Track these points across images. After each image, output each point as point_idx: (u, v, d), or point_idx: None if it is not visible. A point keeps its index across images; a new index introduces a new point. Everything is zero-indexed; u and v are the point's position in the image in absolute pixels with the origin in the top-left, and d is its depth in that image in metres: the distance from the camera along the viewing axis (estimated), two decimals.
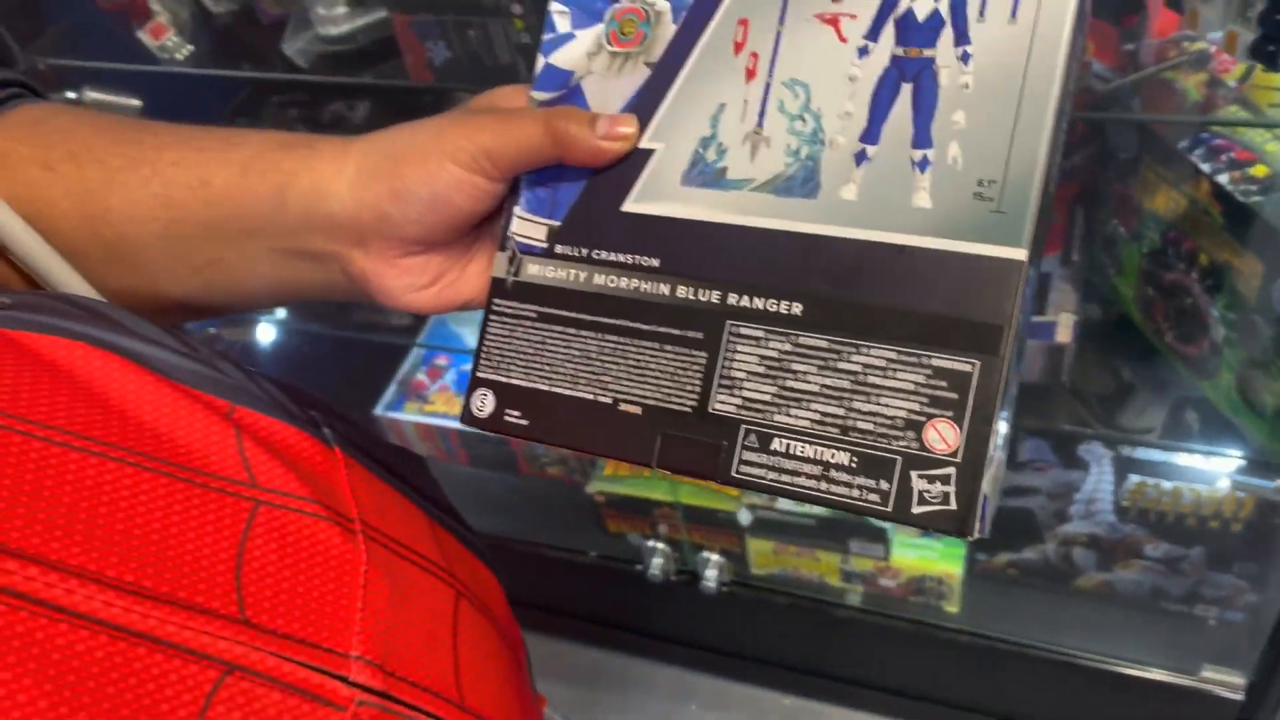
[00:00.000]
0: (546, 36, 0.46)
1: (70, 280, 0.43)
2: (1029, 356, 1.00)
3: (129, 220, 0.44)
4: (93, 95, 1.12)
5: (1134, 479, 1.08)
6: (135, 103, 1.14)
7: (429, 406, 1.52)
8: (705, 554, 1.35)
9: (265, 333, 1.52)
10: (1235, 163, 0.87)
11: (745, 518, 1.29)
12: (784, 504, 1.27)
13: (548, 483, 1.51)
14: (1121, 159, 0.99)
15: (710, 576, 1.34)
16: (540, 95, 0.46)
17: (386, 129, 0.44)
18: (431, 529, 0.40)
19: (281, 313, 1.40)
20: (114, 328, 0.35)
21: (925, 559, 1.27)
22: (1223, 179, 0.86)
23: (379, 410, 1.54)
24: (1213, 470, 1.03)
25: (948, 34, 0.40)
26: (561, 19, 0.46)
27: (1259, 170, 0.86)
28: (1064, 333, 0.98)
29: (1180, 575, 1.14)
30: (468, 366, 1.56)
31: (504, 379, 0.44)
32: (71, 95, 1.10)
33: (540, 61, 0.46)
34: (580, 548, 1.45)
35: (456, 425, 1.49)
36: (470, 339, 1.47)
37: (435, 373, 1.57)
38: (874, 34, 0.41)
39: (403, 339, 1.51)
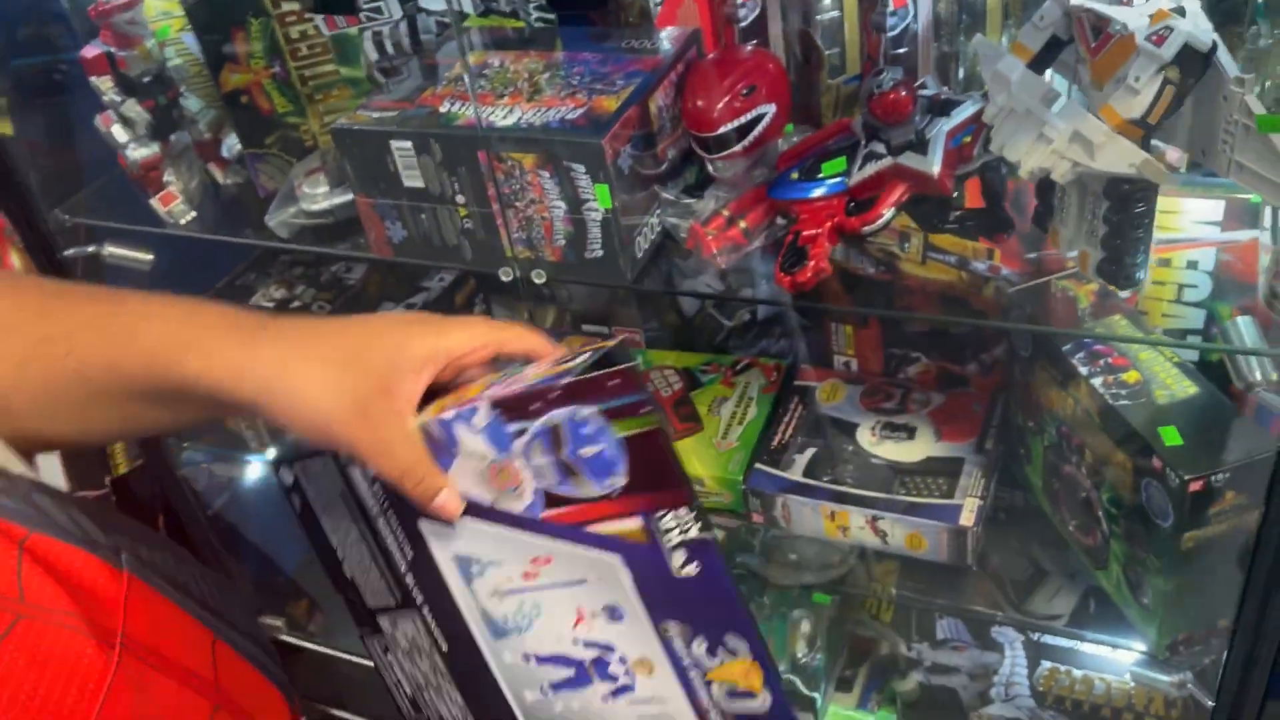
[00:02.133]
0: (470, 416, 0.57)
1: None
2: (937, 538, 1.05)
3: (49, 388, 0.52)
4: (111, 250, 1.26)
5: (1046, 665, 1.10)
6: (148, 257, 1.28)
7: None
8: None
9: (259, 471, 1.61)
10: (1110, 368, 0.94)
11: None
12: None
13: None
14: (1023, 357, 1.06)
15: None
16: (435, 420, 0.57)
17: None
18: (214, 647, 0.47)
19: (274, 451, 1.49)
20: None
21: None
22: (1096, 382, 0.93)
23: None
24: (1118, 661, 1.05)
25: None
26: (480, 418, 0.56)
27: (1131, 376, 0.93)
28: (968, 516, 1.03)
29: None
30: None
31: None
32: (91, 249, 1.24)
33: (456, 425, 0.57)
34: None
35: None
36: None
37: None
38: None
39: None
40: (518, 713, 0.66)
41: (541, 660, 0.63)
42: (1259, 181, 0.70)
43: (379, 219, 1.01)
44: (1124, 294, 0.85)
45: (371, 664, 0.72)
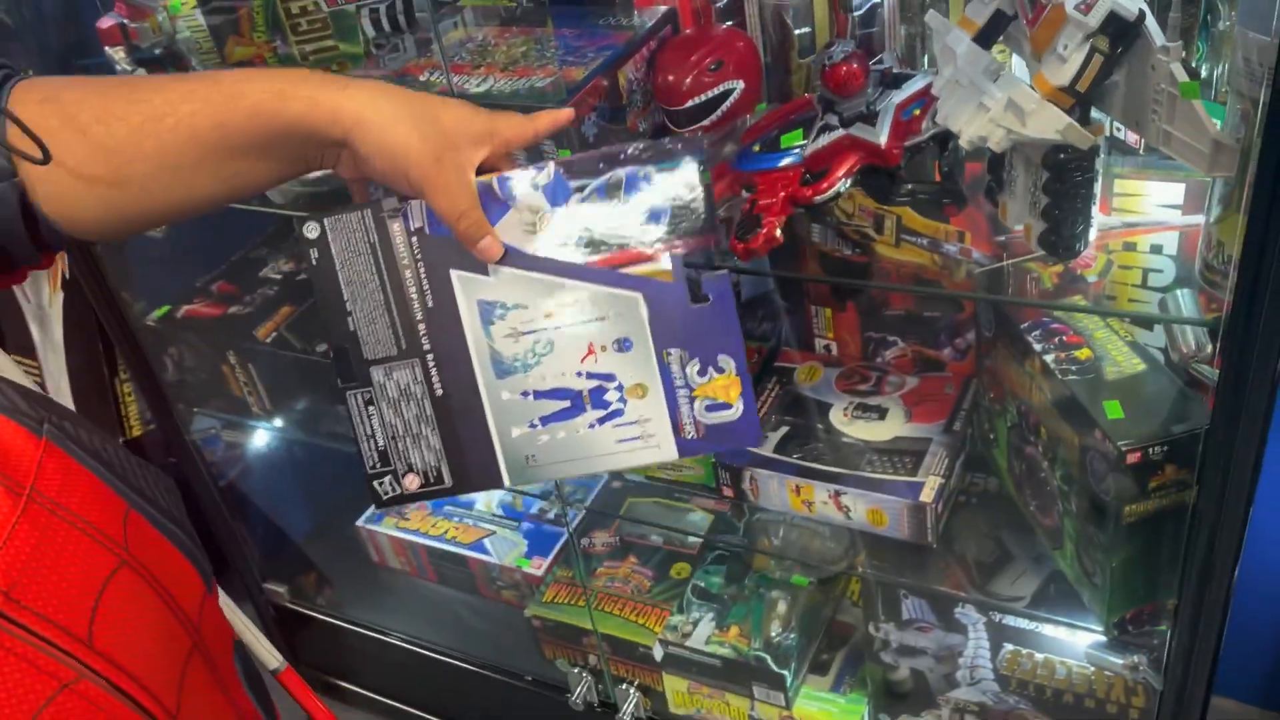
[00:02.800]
0: (535, 174, 0.69)
1: None
2: (898, 514, 1.06)
3: (161, 160, 0.61)
4: None
5: (1008, 647, 1.10)
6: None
7: (404, 523, 1.64)
8: (625, 687, 1.39)
9: (267, 439, 1.67)
10: (1064, 345, 0.95)
11: (658, 652, 1.34)
12: (691, 641, 1.32)
13: (502, 606, 1.59)
14: (986, 338, 1.06)
15: (627, 711, 1.38)
16: (497, 179, 0.69)
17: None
18: (125, 516, 0.51)
19: (279, 421, 1.55)
20: None
21: (826, 712, 1.29)
22: (1049, 358, 0.94)
23: (360, 521, 1.66)
24: (1076, 645, 1.05)
25: None
26: (545, 176, 0.68)
27: (1083, 353, 0.93)
28: (928, 493, 1.04)
29: None
30: None
31: None
32: None
33: (514, 182, 0.69)
34: (519, 671, 1.51)
35: (429, 542, 1.60)
36: None
37: None
38: None
39: None
40: (498, 449, 0.75)
41: (540, 395, 0.73)
42: (1186, 149, 0.71)
43: (364, 188, 1.05)
44: (1062, 263, 0.86)
45: (376, 635, 0.78)
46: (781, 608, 1.34)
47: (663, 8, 1.03)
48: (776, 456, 1.13)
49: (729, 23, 1.03)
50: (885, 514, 1.06)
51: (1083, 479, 0.91)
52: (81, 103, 0.60)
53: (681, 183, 0.67)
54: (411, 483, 0.78)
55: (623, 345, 0.71)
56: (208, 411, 1.55)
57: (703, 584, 1.40)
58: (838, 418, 1.16)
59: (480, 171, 0.68)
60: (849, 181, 0.90)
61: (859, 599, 1.37)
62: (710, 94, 0.96)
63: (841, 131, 0.88)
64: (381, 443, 0.77)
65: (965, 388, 1.15)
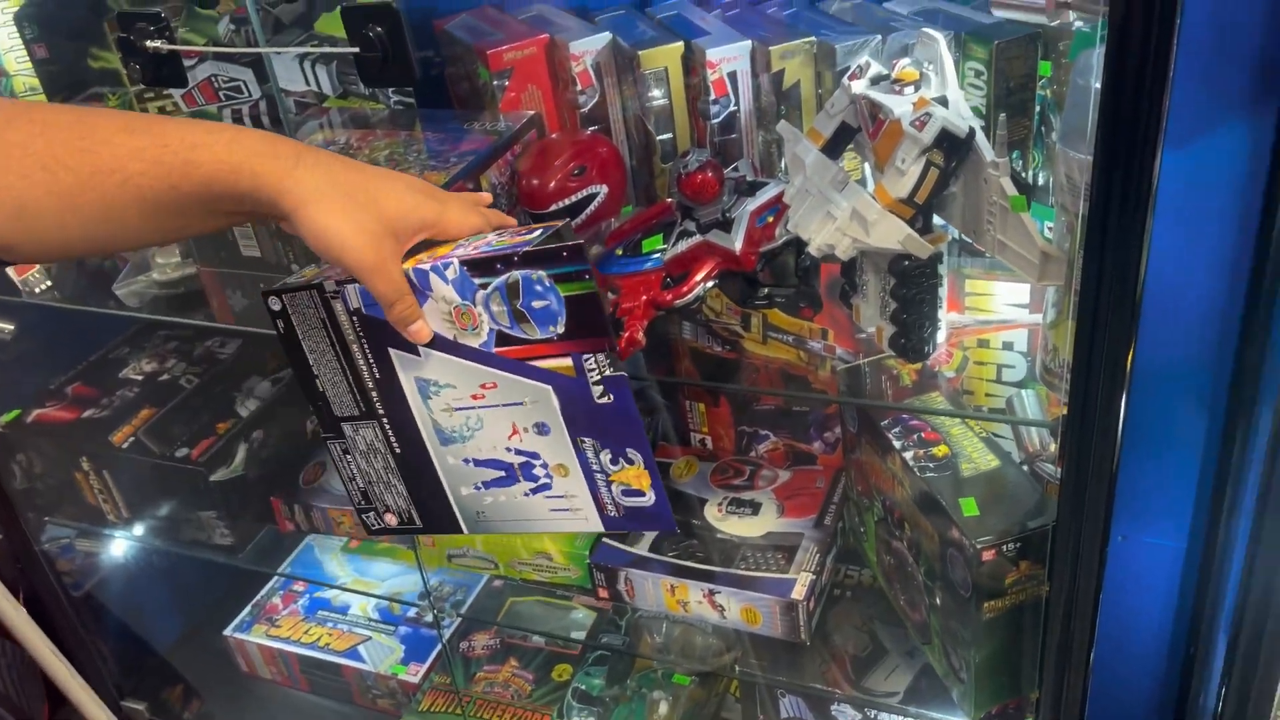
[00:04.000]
0: (444, 269, 0.72)
1: None
2: (771, 612, 1.05)
3: (106, 214, 0.63)
4: None
5: None
6: (8, 327, 1.28)
7: (275, 631, 1.56)
8: None
9: (125, 547, 1.58)
10: (923, 441, 0.97)
11: None
12: None
13: (377, 716, 1.52)
14: (851, 433, 1.08)
15: None
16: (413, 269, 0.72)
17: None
18: None
19: (139, 529, 1.47)
20: None
21: None
22: (908, 455, 0.95)
23: (228, 630, 1.58)
24: None
25: None
26: (452, 272, 0.72)
27: (940, 450, 0.96)
28: (800, 590, 1.04)
29: None
30: (322, 593, 1.61)
31: None
32: None
33: (431, 275, 0.72)
34: None
35: (301, 650, 1.53)
36: (334, 567, 1.54)
37: (290, 598, 1.62)
38: None
39: (265, 567, 1.56)
40: (453, 503, 0.84)
41: (479, 463, 0.81)
42: (1018, 259, 0.74)
43: (220, 289, 1.03)
44: (913, 365, 0.88)
45: None
46: (664, 708, 1.32)
47: (528, 113, 1.04)
48: (651, 556, 1.12)
49: (594, 128, 1.04)
50: (759, 612, 1.06)
51: (945, 575, 0.92)
52: (26, 146, 0.61)
53: (573, 287, 0.70)
54: (391, 520, 0.88)
55: (541, 429, 0.77)
56: (60, 520, 1.47)
57: (583, 687, 1.36)
58: (712, 514, 1.16)
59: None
60: (708, 285, 0.91)
61: (732, 690, 1.36)
62: (574, 198, 0.97)
63: (699, 237, 0.90)
64: (362, 485, 0.87)
65: (835, 481, 1.17)
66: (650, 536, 1.14)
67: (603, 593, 1.15)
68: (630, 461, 0.77)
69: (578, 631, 1.38)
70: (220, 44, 1.06)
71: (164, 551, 1.54)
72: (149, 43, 0.93)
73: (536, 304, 0.71)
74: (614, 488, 0.79)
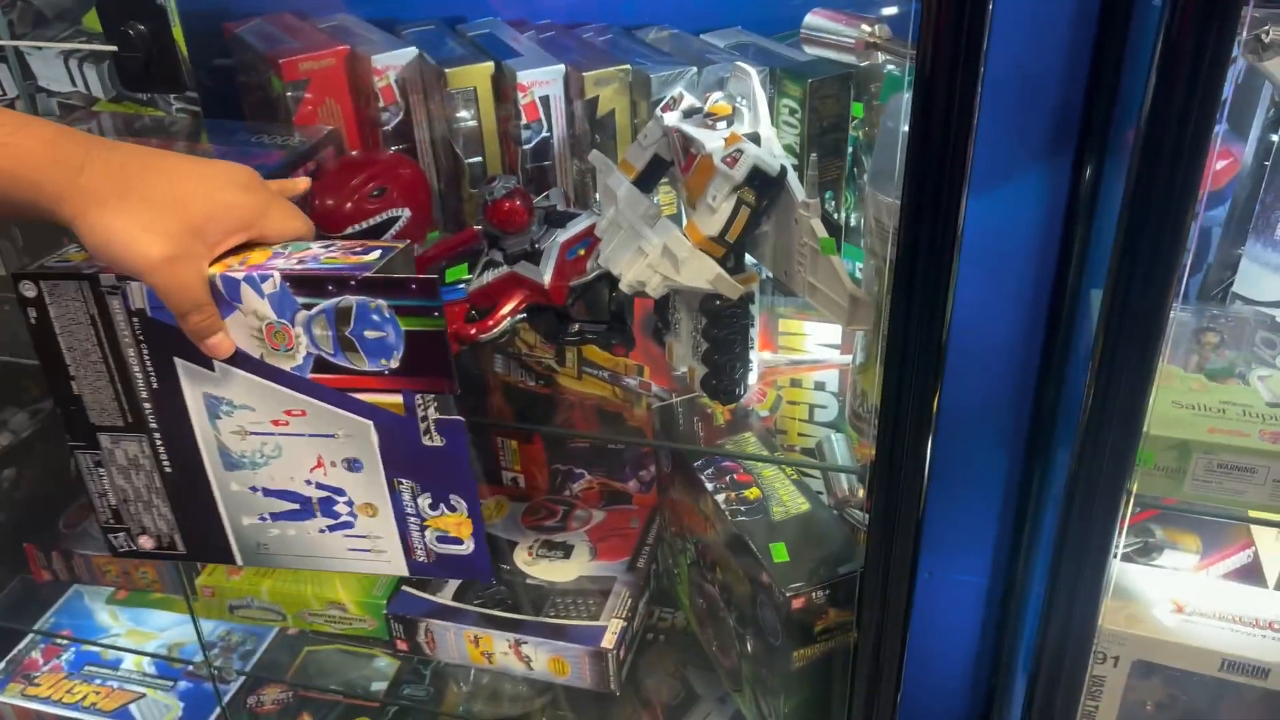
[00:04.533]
0: (260, 282, 0.64)
1: None
2: (579, 662, 1.01)
3: None
4: None
5: None
6: None
7: (33, 689, 1.40)
8: None
9: None
10: (735, 484, 0.95)
11: None
12: None
13: None
14: (666, 472, 1.05)
15: None
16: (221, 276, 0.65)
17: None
18: None
19: None
20: None
21: None
22: (720, 498, 0.93)
23: None
24: None
25: None
26: (270, 285, 0.64)
27: (752, 492, 0.93)
28: (610, 638, 0.99)
29: None
30: (90, 646, 1.44)
31: None
32: None
33: (244, 285, 0.65)
34: None
35: (59, 712, 1.37)
36: (105, 618, 1.39)
37: (52, 652, 1.45)
38: None
39: (16, 623, 1.39)
40: (229, 532, 0.77)
41: (269, 493, 0.74)
42: (827, 302, 0.73)
43: None
44: (724, 407, 0.86)
45: None
46: None
47: (326, 128, 0.96)
48: (455, 605, 1.05)
49: (398, 147, 0.98)
50: (567, 663, 1.01)
51: (755, 620, 0.90)
52: None
53: (417, 322, 0.65)
54: (146, 543, 0.79)
55: (353, 465, 0.71)
56: None
57: None
58: (522, 557, 1.11)
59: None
60: (516, 319, 0.86)
61: None
62: (372, 221, 0.90)
63: (506, 269, 0.84)
64: (114, 502, 0.77)
65: (650, 521, 1.13)
66: (455, 583, 1.07)
67: (401, 645, 1.07)
68: (453, 509, 0.72)
69: (379, 682, 1.29)
70: None
71: None
72: None
73: (370, 334, 0.66)
74: (428, 533, 0.74)
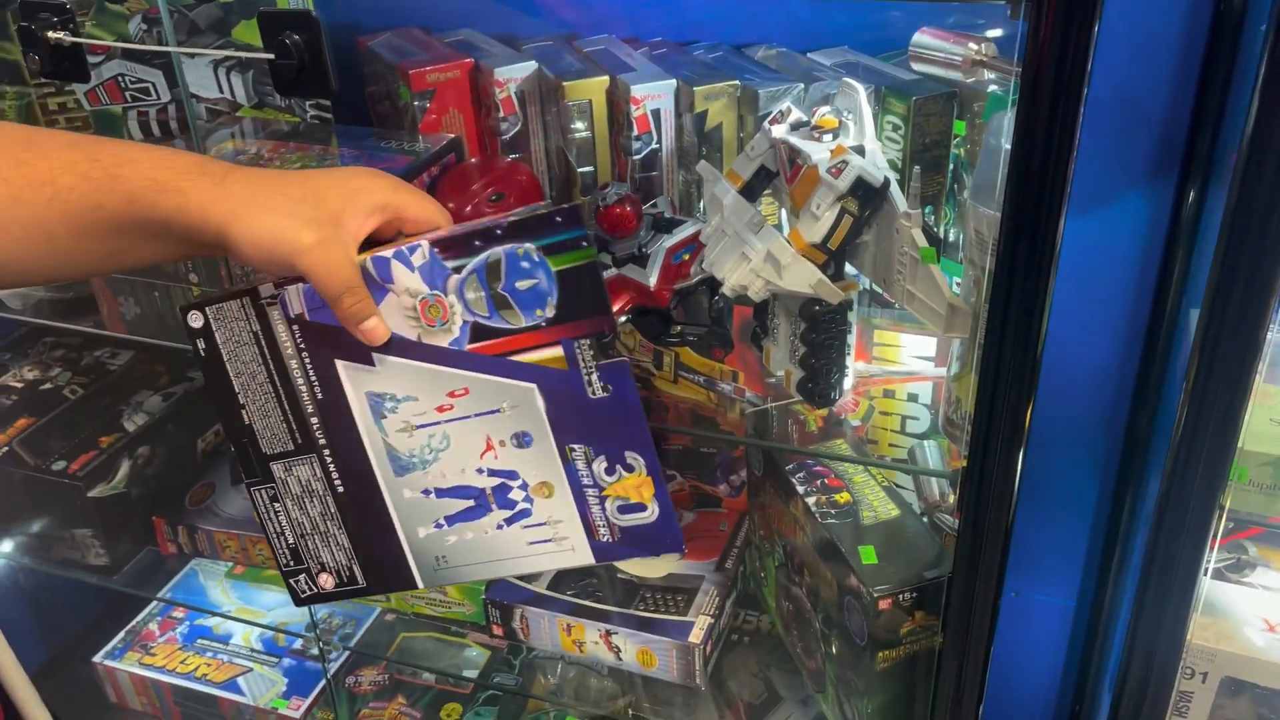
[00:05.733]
0: (409, 254, 0.64)
1: None
2: (667, 655, 1.04)
3: (36, 230, 0.59)
4: None
5: None
6: None
7: (149, 659, 1.49)
8: None
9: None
10: (826, 488, 0.97)
11: None
12: None
13: None
14: (757, 476, 1.08)
15: None
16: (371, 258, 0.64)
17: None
18: None
19: (6, 545, 1.39)
20: None
21: None
22: (810, 500, 0.95)
23: (98, 657, 1.50)
24: None
25: None
26: (419, 256, 0.63)
27: (843, 497, 0.96)
28: (697, 633, 1.03)
29: None
30: (204, 621, 1.51)
31: None
32: None
33: (393, 262, 0.64)
34: None
35: (173, 680, 1.45)
36: (218, 595, 1.47)
37: (169, 624, 1.54)
38: None
39: (143, 590, 1.48)
40: (407, 550, 0.72)
41: (442, 493, 0.69)
42: (925, 310, 0.75)
43: (112, 295, 0.98)
44: (820, 411, 0.89)
45: None
46: None
47: (448, 136, 1.02)
48: (549, 594, 1.10)
49: (514, 156, 1.03)
50: (655, 655, 1.04)
51: (841, 622, 0.92)
52: None
53: (567, 259, 0.62)
54: (326, 582, 0.75)
55: (522, 440, 0.67)
56: None
57: None
58: None
59: (372, 244, 0.65)
60: (621, 320, 0.90)
61: None
62: None
63: (614, 271, 0.89)
64: (291, 540, 0.74)
65: (739, 524, 1.16)
66: (550, 573, 1.12)
67: (497, 629, 1.12)
68: (630, 468, 0.67)
69: (470, 670, 1.34)
70: (129, 42, 1.02)
71: (31, 571, 1.45)
72: (50, 33, 0.89)
73: (522, 284, 0.63)
74: (608, 505, 0.68)
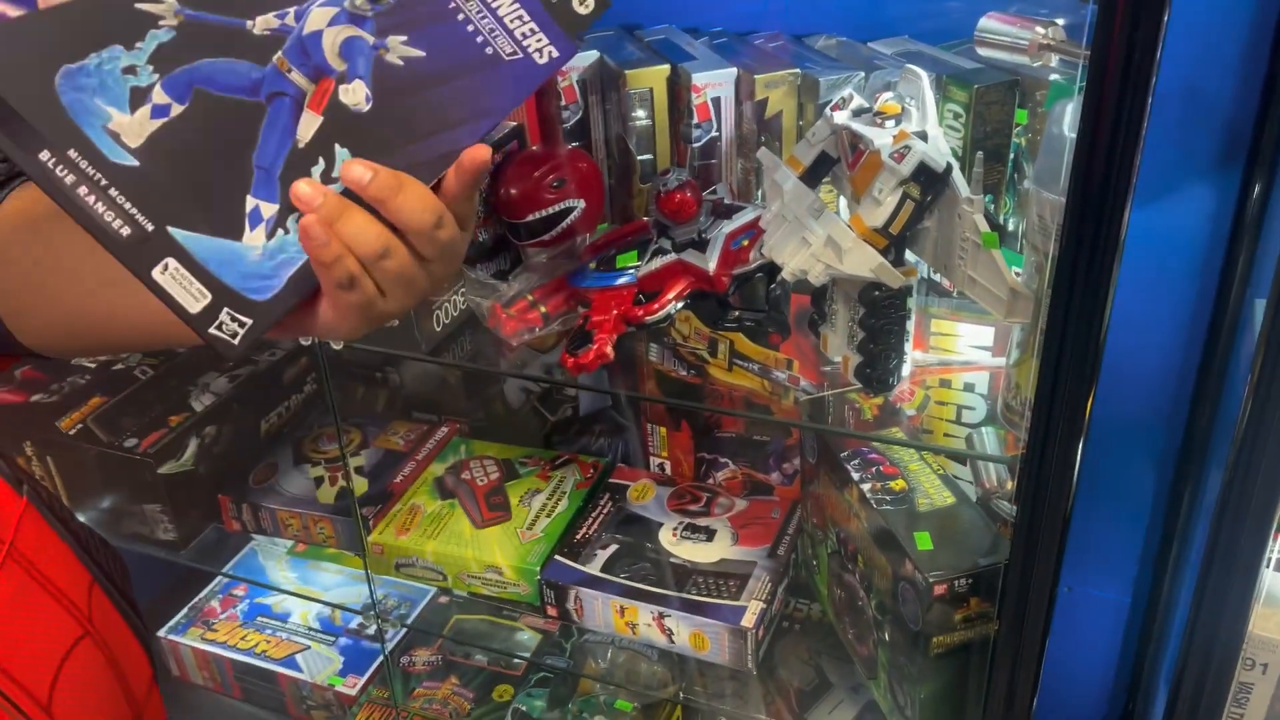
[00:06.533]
0: None
1: None
2: (719, 639, 1.05)
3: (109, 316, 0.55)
4: None
5: None
6: None
7: (211, 634, 1.53)
8: None
9: None
10: (881, 475, 0.97)
11: None
12: None
13: None
14: (810, 464, 1.09)
15: None
16: None
17: None
18: (90, 588, 0.49)
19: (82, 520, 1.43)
20: None
21: None
22: (865, 487, 0.96)
23: (162, 632, 1.54)
24: None
25: None
26: None
27: (898, 484, 0.96)
28: (750, 618, 1.04)
29: None
30: (263, 599, 1.54)
31: None
32: None
33: None
34: None
35: (234, 656, 1.49)
36: (276, 575, 1.51)
37: (229, 602, 1.58)
38: None
39: (208, 565, 1.52)
40: None
41: None
42: (986, 295, 0.76)
43: None
44: (877, 397, 0.89)
45: None
46: None
47: (510, 124, 1.04)
48: (603, 576, 1.12)
49: (575, 144, 1.05)
50: (707, 638, 1.05)
51: (895, 609, 0.92)
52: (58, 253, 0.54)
53: None
54: None
55: None
56: None
57: (524, 708, 1.34)
58: (667, 538, 1.16)
59: None
60: (680, 304, 0.91)
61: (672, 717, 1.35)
62: (551, 210, 0.97)
63: (673, 256, 0.90)
64: None
65: (791, 512, 1.17)
66: (604, 555, 1.13)
67: (551, 610, 1.14)
68: None
69: (522, 652, 1.36)
70: None
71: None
72: None
73: None
74: None
